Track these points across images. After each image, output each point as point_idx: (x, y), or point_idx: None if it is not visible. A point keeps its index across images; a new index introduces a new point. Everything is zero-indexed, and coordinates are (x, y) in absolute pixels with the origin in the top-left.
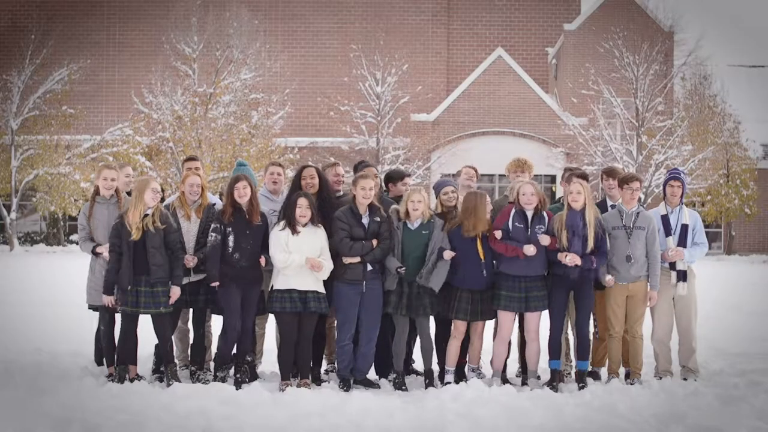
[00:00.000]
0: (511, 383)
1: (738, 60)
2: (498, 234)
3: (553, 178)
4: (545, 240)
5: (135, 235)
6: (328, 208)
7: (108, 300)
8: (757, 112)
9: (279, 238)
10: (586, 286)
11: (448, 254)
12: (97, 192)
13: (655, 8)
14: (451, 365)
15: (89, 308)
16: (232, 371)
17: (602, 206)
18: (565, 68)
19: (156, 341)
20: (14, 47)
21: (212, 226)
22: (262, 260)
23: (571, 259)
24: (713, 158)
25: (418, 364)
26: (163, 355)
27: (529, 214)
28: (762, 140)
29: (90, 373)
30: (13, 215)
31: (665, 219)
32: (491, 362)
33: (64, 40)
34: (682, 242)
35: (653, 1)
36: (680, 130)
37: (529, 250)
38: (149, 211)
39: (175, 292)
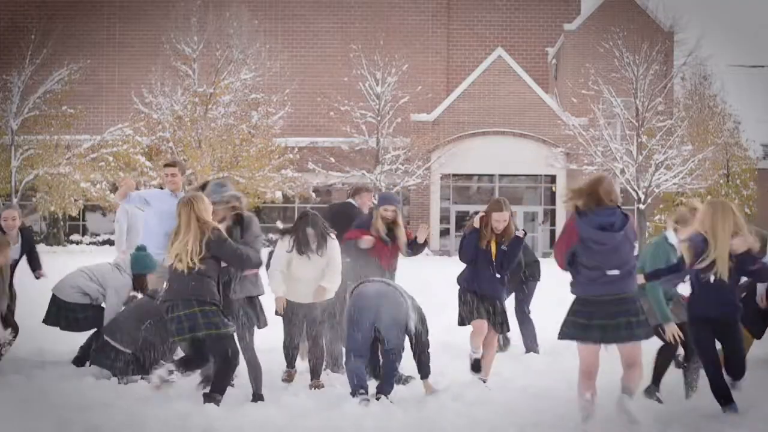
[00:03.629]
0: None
1: (738, 60)
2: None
3: (553, 178)
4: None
5: None
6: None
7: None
8: (757, 112)
9: (281, 258)
10: None
11: None
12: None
13: (655, 8)
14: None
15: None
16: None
17: None
18: (565, 68)
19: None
20: (14, 47)
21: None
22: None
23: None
24: (713, 158)
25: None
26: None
27: None
28: (762, 140)
29: (90, 373)
30: None
31: None
32: None
33: (64, 40)
34: None
35: (653, 1)
36: (680, 130)
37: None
38: None
39: None
